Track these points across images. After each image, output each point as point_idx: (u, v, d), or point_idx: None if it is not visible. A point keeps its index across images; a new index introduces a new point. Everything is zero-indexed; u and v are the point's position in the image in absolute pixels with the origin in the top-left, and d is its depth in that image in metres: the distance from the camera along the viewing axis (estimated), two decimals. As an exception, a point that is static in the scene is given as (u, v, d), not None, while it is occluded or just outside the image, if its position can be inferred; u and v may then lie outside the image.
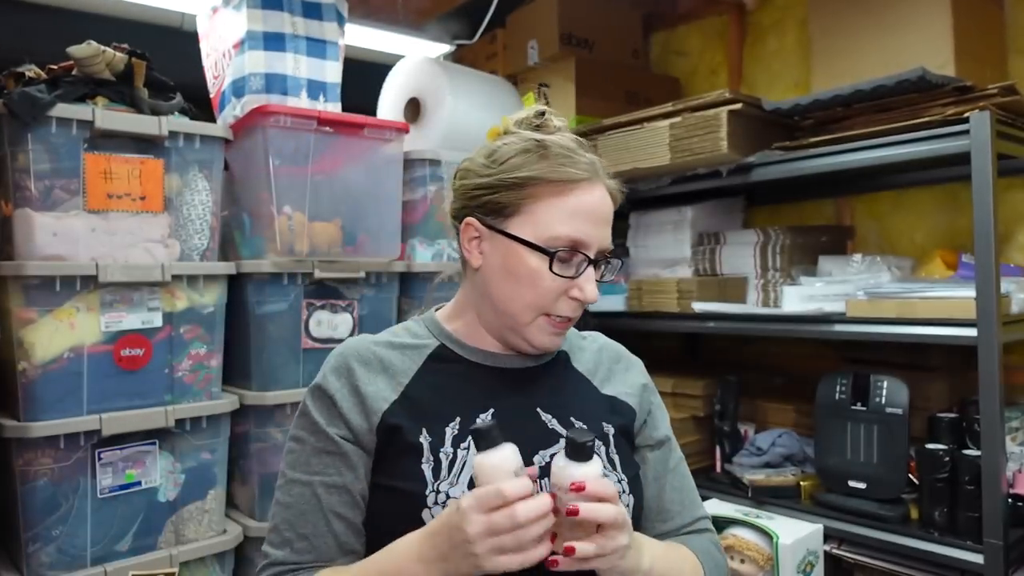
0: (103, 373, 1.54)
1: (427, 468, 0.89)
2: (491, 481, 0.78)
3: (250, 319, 1.77)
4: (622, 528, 0.80)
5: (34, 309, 1.47)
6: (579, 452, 0.80)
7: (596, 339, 1.12)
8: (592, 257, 0.93)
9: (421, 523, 0.85)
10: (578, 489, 0.78)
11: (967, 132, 1.53)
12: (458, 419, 0.93)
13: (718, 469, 2.11)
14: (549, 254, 0.91)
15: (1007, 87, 1.57)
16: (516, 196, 0.93)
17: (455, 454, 0.90)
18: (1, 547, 1.63)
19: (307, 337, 1.81)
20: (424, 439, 0.91)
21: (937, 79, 1.63)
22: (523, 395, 0.98)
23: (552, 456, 0.89)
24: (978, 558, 1.52)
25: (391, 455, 0.92)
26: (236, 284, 1.77)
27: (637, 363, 1.11)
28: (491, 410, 0.94)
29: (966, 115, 1.54)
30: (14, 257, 1.48)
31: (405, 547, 0.84)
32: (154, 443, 1.61)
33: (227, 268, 1.71)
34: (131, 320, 1.57)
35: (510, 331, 0.96)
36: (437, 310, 1.07)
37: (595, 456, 0.82)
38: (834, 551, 1.76)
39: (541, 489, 0.87)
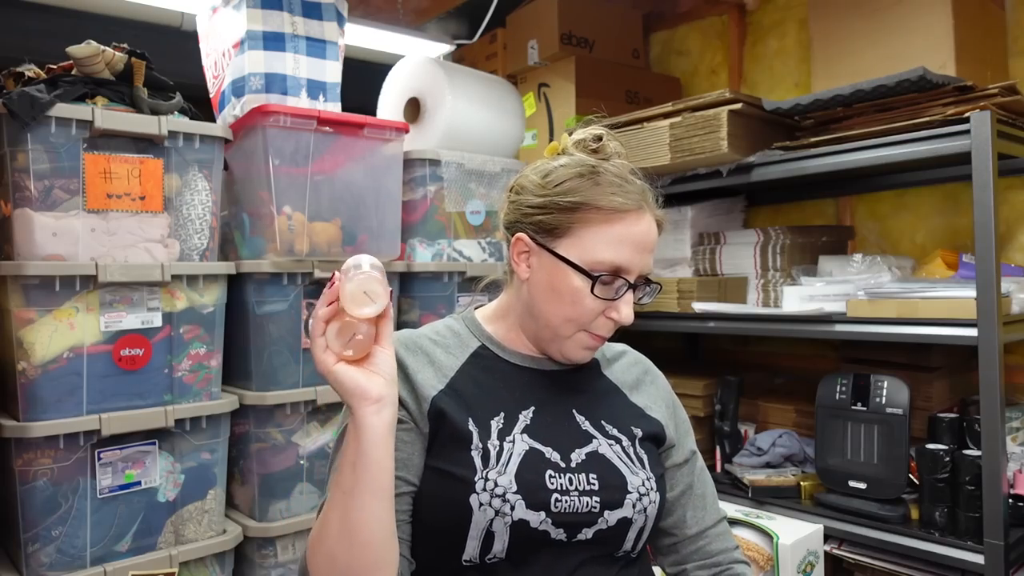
0: (103, 373, 1.53)
1: (476, 456, 0.94)
2: None
3: (250, 319, 1.77)
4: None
5: (34, 309, 1.46)
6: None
7: (628, 353, 1.19)
8: (632, 282, 0.99)
9: (468, 507, 0.90)
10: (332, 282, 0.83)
11: (967, 132, 1.53)
12: (502, 414, 0.98)
13: (718, 469, 2.11)
14: (592, 278, 0.96)
15: (1008, 87, 1.57)
16: (566, 219, 0.98)
17: (501, 446, 0.95)
18: (0, 547, 1.63)
19: (307, 337, 1.81)
20: (472, 428, 0.95)
21: (937, 79, 1.63)
22: (559, 396, 1.04)
23: (587, 454, 0.98)
24: (979, 558, 1.52)
25: (442, 441, 0.96)
26: (236, 284, 1.77)
27: (661, 376, 1.18)
28: (532, 407, 1.00)
29: (966, 115, 1.54)
30: (14, 257, 1.48)
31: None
32: (154, 443, 1.61)
33: (227, 268, 1.71)
34: (131, 320, 1.57)
35: (548, 341, 1.02)
36: (476, 308, 1.12)
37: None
38: (834, 551, 1.76)
39: None
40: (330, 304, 0.81)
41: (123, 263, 1.55)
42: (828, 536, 1.75)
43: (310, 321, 0.84)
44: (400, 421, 0.95)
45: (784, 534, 1.64)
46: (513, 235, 1.03)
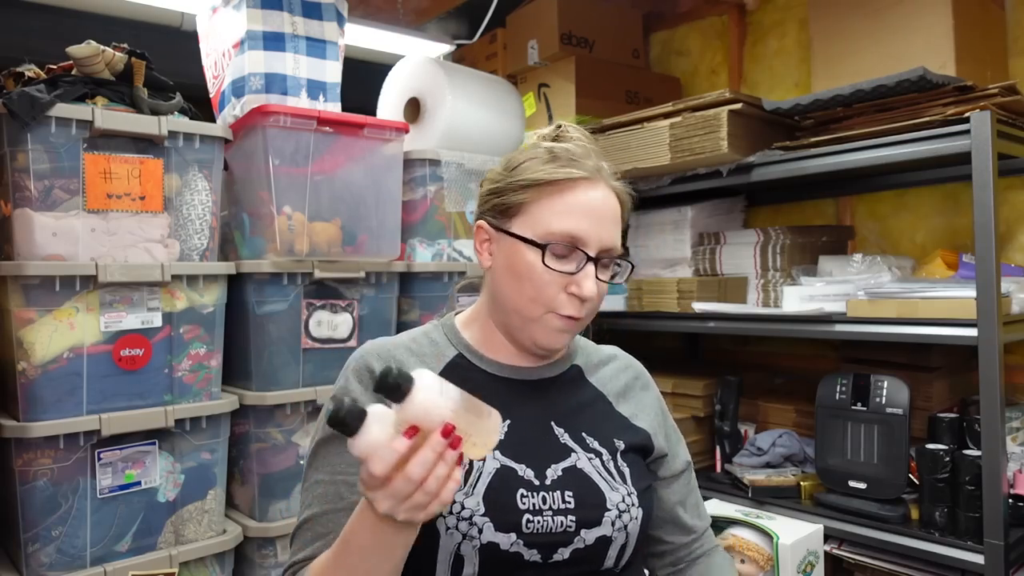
0: (103, 373, 1.53)
1: None
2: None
3: (250, 319, 1.77)
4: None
5: (34, 309, 1.46)
6: (398, 390, 0.73)
7: (618, 357, 1.14)
8: (592, 255, 0.94)
9: (435, 531, 0.87)
10: (447, 432, 0.73)
11: (967, 132, 1.53)
12: None
13: (718, 469, 2.11)
14: (541, 247, 0.93)
15: (1008, 87, 1.57)
16: (520, 197, 0.96)
17: (471, 465, 0.91)
18: (0, 547, 1.63)
19: (307, 337, 1.81)
20: None
21: (937, 79, 1.63)
22: (538, 408, 1.00)
23: (563, 470, 0.94)
24: (979, 558, 1.52)
25: None
26: (236, 284, 1.77)
27: (652, 383, 1.14)
28: (507, 421, 0.95)
29: (966, 115, 1.54)
30: (14, 257, 1.48)
31: (354, 534, 0.80)
32: (154, 443, 1.61)
33: (227, 268, 1.71)
34: (131, 320, 1.57)
35: (518, 329, 0.98)
36: (457, 314, 1.09)
37: (414, 379, 0.75)
38: (834, 551, 1.76)
39: None
40: (440, 448, 0.72)
41: (123, 263, 1.55)
42: (828, 536, 1.75)
43: (425, 481, 0.72)
44: None
45: (784, 534, 1.64)
46: None
